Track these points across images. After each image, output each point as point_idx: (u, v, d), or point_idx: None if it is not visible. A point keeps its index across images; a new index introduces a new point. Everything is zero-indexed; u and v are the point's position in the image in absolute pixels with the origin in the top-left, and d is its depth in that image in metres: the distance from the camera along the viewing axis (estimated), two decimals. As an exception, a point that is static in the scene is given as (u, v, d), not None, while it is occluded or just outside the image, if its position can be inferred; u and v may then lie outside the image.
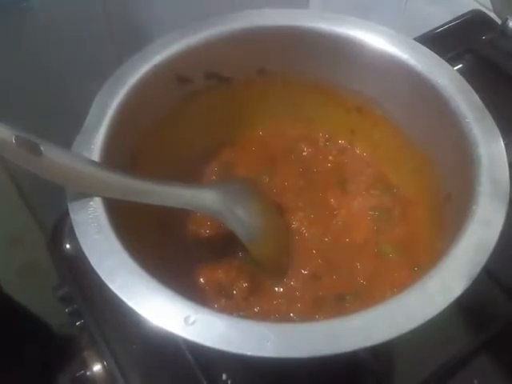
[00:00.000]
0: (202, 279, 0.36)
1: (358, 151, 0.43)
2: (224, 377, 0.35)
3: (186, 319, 0.25)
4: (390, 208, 0.40)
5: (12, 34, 0.57)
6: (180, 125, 0.40)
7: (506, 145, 0.31)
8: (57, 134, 0.31)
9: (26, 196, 0.70)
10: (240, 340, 0.24)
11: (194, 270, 0.36)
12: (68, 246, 0.41)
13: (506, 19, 0.53)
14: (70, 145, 0.32)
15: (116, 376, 0.36)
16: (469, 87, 0.34)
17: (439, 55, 0.36)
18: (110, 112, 0.33)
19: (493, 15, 0.57)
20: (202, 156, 0.42)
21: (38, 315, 0.60)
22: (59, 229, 0.42)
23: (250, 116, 0.43)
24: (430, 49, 0.36)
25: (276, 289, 0.36)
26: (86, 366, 0.39)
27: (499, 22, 0.54)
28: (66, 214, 0.29)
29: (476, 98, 0.33)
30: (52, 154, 0.28)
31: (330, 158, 0.43)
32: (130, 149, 0.35)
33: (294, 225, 0.39)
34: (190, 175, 0.41)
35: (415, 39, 0.37)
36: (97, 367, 0.38)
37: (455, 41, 0.55)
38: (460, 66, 0.51)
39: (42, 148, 0.27)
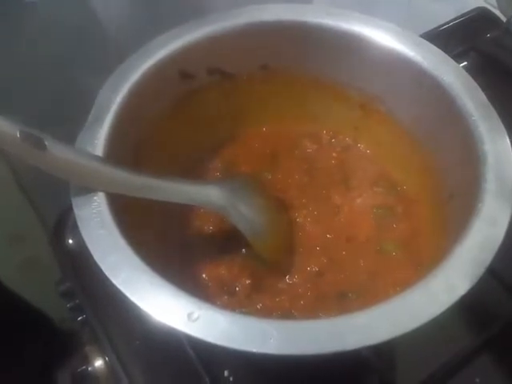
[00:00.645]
0: (204, 275, 0.36)
1: (361, 148, 0.43)
2: (226, 373, 0.35)
3: (189, 315, 0.25)
4: (394, 206, 0.40)
5: (13, 29, 0.56)
6: (183, 121, 0.39)
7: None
8: (59, 129, 0.31)
9: (28, 192, 0.70)
10: (243, 337, 0.24)
11: (196, 266, 0.36)
12: (71, 241, 0.41)
13: (511, 17, 0.52)
14: (73, 140, 0.32)
15: (118, 372, 0.36)
16: (475, 84, 0.34)
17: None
18: (114, 107, 0.33)
19: (498, 13, 0.57)
20: (205, 152, 0.42)
21: (40, 310, 0.61)
22: (62, 224, 0.42)
23: (254, 112, 0.43)
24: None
25: (279, 286, 0.36)
26: (87, 361, 0.38)
27: (504, 19, 0.54)
28: (69, 208, 0.29)
29: (482, 95, 0.33)
30: (56, 148, 0.28)
31: (334, 154, 0.43)
32: (133, 144, 0.35)
33: (298, 221, 0.39)
34: (193, 171, 0.40)
35: (420, 36, 0.37)
36: (98, 363, 0.38)
37: (460, 38, 0.55)
38: (464, 63, 0.51)
39: (46, 143, 0.27)
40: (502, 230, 0.27)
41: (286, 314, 0.35)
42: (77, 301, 0.41)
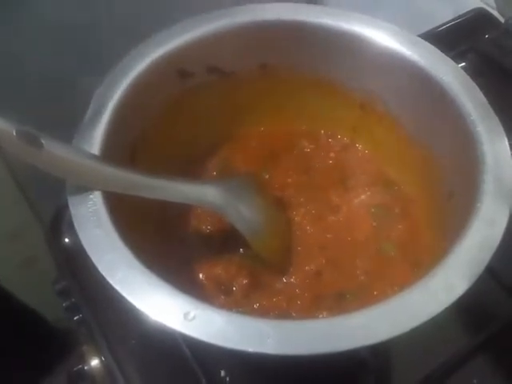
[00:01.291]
0: (201, 275, 0.36)
1: (360, 148, 0.43)
2: (222, 373, 0.35)
3: (185, 315, 0.24)
4: (391, 206, 0.39)
5: (12, 24, 0.56)
6: (180, 120, 0.39)
7: (510, 145, 0.31)
8: (55, 127, 0.31)
9: (25, 190, 0.69)
10: (240, 336, 0.24)
11: (193, 266, 0.36)
12: (67, 239, 0.41)
13: (510, 18, 0.52)
14: (69, 138, 0.31)
15: (114, 371, 0.36)
16: (473, 84, 0.34)
17: (442, 53, 0.36)
18: (111, 106, 0.33)
19: (496, 14, 0.57)
20: (203, 151, 0.42)
21: (37, 310, 0.60)
22: (58, 222, 0.42)
23: (252, 111, 0.42)
24: (432, 46, 0.36)
25: (276, 285, 0.36)
26: (83, 360, 0.38)
27: (502, 20, 0.54)
28: (65, 206, 0.29)
29: (480, 95, 0.33)
30: (53, 147, 0.28)
31: (332, 154, 0.43)
32: (130, 143, 0.35)
33: (296, 220, 0.39)
34: (190, 170, 0.40)
35: (418, 37, 0.37)
36: (94, 362, 0.38)
37: (458, 39, 0.55)
38: (463, 64, 0.51)
39: (42, 141, 0.27)
40: (500, 230, 0.27)
41: (283, 314, 0.34)
42: (73, 300, 0.40)
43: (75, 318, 0.41)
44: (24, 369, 0.62)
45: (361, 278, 0.36)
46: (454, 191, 0.33)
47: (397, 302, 0.25)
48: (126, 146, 0.35)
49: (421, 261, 0.35)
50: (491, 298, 0.39)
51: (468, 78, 0.34)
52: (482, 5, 0.59)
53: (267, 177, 0.41)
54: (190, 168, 0.40)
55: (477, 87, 0.34)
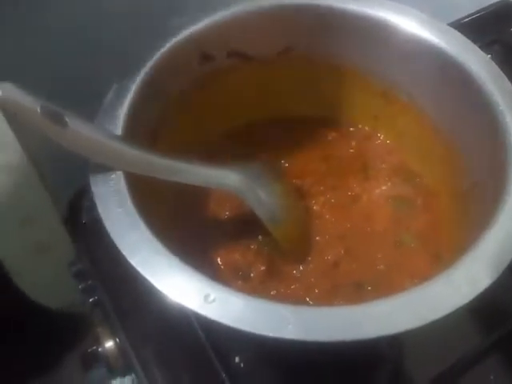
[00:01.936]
0: (219, 260, 0.36)
1: (381, 138, 0.42)
2: (237, 359, 0.35)
3: (205, 297, 0.24)
4: (413, 197, 0.39)
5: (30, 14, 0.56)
6: (201, 105, 0.39)
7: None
8: (82, 106, 0.31)
9: (42, 174, 0.69)
10: (260, 321, 0.23)
11: (211, 251, 0.36)
12: (85, 220, 0.41)
13: (536, 10, 0.51)
14: (91, 118, 0.31)
15: (128, 353, 0.36)
16: (502, 74, 0.33)
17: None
18: (133, 87, 0.33)
19: (522, 6, 0.56)
20: (223, 136, 0.42)
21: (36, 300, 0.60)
22: (77, 202, 0.42)
23: (273, 98, 0.42)
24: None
25: (294, 273, 0.35)
26: (98, 342, 0.38)
27: (528, 13, 0.53)
28: (84, 188, 0.29)
29: (509, 85, 0.32)
30: (76, 125, 0.28)
31: (353, 143, 0.42)
32: (152, 128, 0.35)
33: (315, 209, 0.38)
34: (209, 156, 0.40)
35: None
36: (109, 344, 0.38)
37: (483, 31, 0.54)
38: (488, 56, 0.50)
39: (66, 119, 0.27)
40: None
41: (300, 302, 0.34)
42: (89, 282, 0.41)
43: (90, 300, 0.41)
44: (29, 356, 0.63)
45: (380, 269, 0.35)
46: (478, 182, 0.33)
47: (419, 293, 0.25)
48: (148, 130, 0.35)
49: (441, 253, 0.35)
50: (510, 294, 0.38)
51: (497, 67, 0.33)
52: (507, -3, 0.58)
53: (288, 164, 0.41)
54: (208, 154, 0.40)
55: (505, 77, 0.33)
